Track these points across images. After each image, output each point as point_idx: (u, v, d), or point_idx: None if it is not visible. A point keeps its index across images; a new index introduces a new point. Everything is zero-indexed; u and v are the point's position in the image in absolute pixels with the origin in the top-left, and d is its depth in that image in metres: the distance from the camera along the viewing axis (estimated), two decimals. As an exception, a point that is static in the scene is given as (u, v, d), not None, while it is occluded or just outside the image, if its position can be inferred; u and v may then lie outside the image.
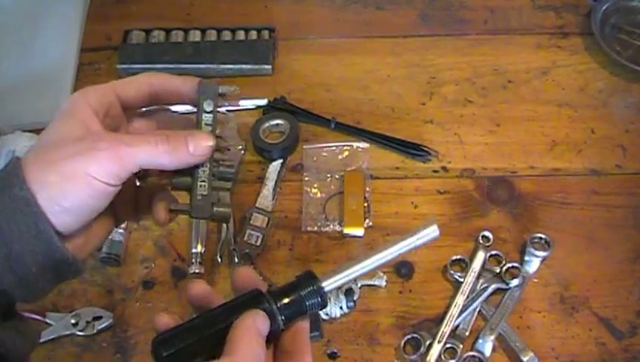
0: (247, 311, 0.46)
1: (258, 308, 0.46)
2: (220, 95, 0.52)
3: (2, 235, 0.44)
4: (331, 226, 0.83)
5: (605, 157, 0.88)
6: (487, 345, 0.73)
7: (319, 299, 0.48)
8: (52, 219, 0.45)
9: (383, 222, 0.83)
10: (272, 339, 0.47)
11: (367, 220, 0.83)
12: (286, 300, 0.48)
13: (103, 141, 0.46)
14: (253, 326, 0.44)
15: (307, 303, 0.48)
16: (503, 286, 0.77)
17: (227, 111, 0.90)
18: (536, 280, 0.79)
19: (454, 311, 0.75)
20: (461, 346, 0.74)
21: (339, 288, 0.75)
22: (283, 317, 0.47)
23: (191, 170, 0.51)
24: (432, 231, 0.51)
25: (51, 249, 0.45)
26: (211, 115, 0.52)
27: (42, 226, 0.44)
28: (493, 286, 0.77)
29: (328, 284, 0.49)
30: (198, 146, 0.49)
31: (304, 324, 0.49)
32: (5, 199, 0.44)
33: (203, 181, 0.51)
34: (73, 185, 0.45)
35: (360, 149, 0.89)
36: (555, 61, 0.97)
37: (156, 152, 0.47)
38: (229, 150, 0.54)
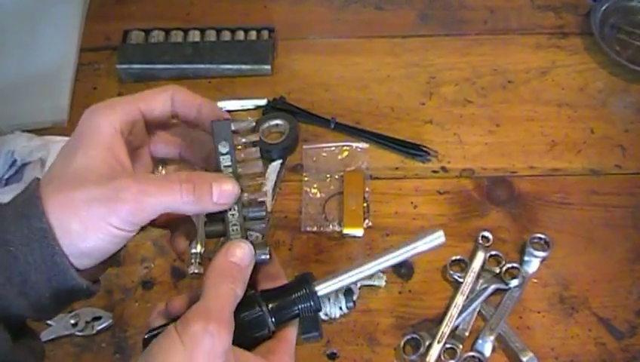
0: (239, 313, 0.46)
1: (250, 311, 0.47)
2: (234, 133, 0.49)
3: (18, 264, 0.44)
4: (331, 226, 0.83)
5: (605, 157, 0.88)
6: (486, 346, 0.73)
7: (311, 303, 0.48)
8: (71, 259, 0.45)
9: (382, 222, 0.83)
10: (262, 341, 0.48)
11: (366, 220, 0.83)
12: (277, 303, 0.48)
13: (127, 191, 0.45)
14: (226, 264, 0.47)
15: (299, 306, 0.48)
16: (503, 286, 0.77)
17: (227, 110, 0.90)
18: (535, 281, 0.79)
19: (454, 311, 0.75)
20: (461, 346, 0.74)
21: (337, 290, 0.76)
22: (273, 320, 0.47)
23: (222, 215, 0.50)
24: (437, 238, 0.49)
25: (67, 279, 0.46)
26: (228, 156, 0.49)
27: (59, 259, 0.44)
28: (492, 287, 0.77)
29: (323, 288, 0.49)
30: (223, 194, 0.48)
31: (292, 332, 0.50)
32: (24, 230, 0.44)
33: (235, 225, 0.50)
34: (94, 234, 0.45)
35: (359, 149, 0.89)
36: (554, 61, 0.97)
37: (180, 202, 0.46)
38: (256, 189, 0.52)
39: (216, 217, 0.50)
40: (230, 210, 0.49)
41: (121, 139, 0.48)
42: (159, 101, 0.51)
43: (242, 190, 0.49)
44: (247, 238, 0.50)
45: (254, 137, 0.50)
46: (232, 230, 0.50)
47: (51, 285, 0.45)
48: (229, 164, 0.49)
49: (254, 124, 0.50)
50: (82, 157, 0.46)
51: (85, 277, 0.47)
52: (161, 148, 0.55)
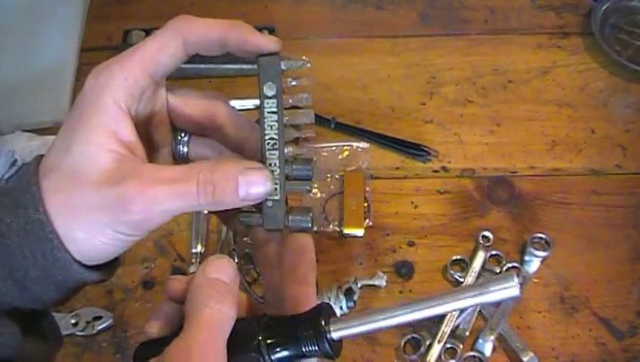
0: (231, 347, 0.38)
1: (243, 354, 0.38)
2: (283, 72, 0.43)
3: (15, 259, 0.40)
4: (331, 226, 0.83)
5: (605, 157, 0.88)
6: (487, 345, 0.73)
7: (318, 348, 0.39)
8: (78, 258, 0.41)
9: (383, 222, 0.83)
10: None
11: (367, 220, 0.83)
12: (280, 340, 0.39)
13: (134, 202, 0.39)
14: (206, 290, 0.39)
15: (306, 349, 0.39)
16: (503, 286, 0.77)
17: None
18: (536, 280, 0.79)
19: (454, 311, 0.75)
20: (461, 346, 0.73)
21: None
22: (272, 360, 0.39)
23: None
24: (508, 286, 0.37)
25: (71, 274, 0.41)
26: (274, 101, 0.42)
27: (59, 254, 0.40)
28: (493, 286, 0.77)
29: (340, 332, 0.39)
30: (252, 191, 0.41)
31: None
32: (20, 220, 0.40)
33: (275, 183, 0.43)
34: (100, 241, 0.40)
35: (360, 149, 0.89)
36: (555, 61, 0.97)
37: (197, 206, 0.40)
38: (304, 139, 0.45)
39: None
40: (271, 165, 0.43)
41: (127, 117, 0.41)
42: (168, 55, 0.43)
43: (286, 143, 0.43)
44: (286, 202, 0.43)
45: (306, 81, 0.43)
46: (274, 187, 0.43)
47: (56, 279, 0.41)
48: (275, 109, 0.43)
49: (309, 64, 0.43)
50: (83, 144, 0.40)
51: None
52: (181, 121, 0.47)
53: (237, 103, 0.92)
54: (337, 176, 0.87)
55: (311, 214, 0.44)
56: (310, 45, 1.00)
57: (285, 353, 0.39)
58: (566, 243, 0.81)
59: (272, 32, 0.99)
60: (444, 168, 0.88)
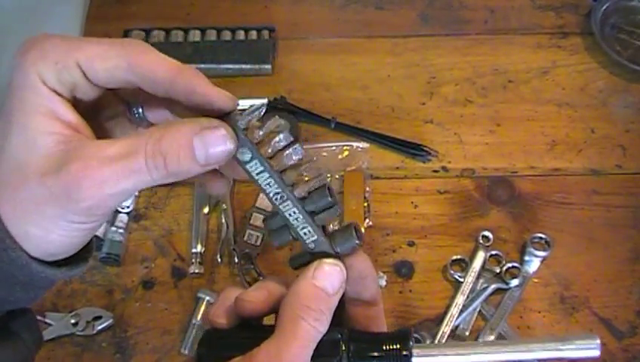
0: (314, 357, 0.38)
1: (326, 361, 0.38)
2: (245, 130, 0.40)
3: None
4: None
5: (605, 157, 0.88)
6: (487, 345, 0.73)
7: None
8: (42, 259, 0.39)
9: (383, 222, 0.83)
10: None
11: (367, 220, 0.83)
12: (361, 354, 0.39)
13: (79, 188, 0.35)
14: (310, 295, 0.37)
15: None
16: (503, 286, 0.77)
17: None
18: (536, 280, 0.79)
19: (454, 311, 0.75)
20: (461, 346, 0.73)
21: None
22: None
23: (282, 219, 0.41)
24: (588, 347, 0.37)
25: (33, 273, 0.38)
26: (255, 162, 0.40)
27: (14, 254, 0.37)
28: (493, 286, 0.77)
29: (422, 359, 0.39)
30: (212, 155, 0.37)
31: None
32: None
33: (304, 228, 0.41)
34: (56, 234, 0.37)
35: (360, 149, 0.89)
36: (555, 61, 0.97)
37: (152, 181, 0.36)
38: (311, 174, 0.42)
39: (278, 222, 0.42)
40: (291, 215, 0.41)
41: (61, 98, 0.37)
42: (105, 68, 0.37)
43: (293, 186, 0.41)
44: (325, 235, 0.41)
45: (273, 124, 0.40)
46: (305, 234, 0.41)
47: (18, 280, 0.38)
48: (261, 169, 0.40)
49: (264, 108, 0.40)
50: (20, 131, 0.36)
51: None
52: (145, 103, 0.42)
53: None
54: (337, 176, 0.87)
55: (354, 229, 0.41)
56: (310, 45, 1.00)
57: None
58: (566, 243, 0.81)
59: (272, 31, 0.99)
60: (444, 168, 0.88)
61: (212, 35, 0.99)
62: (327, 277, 0.39)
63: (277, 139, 0.40)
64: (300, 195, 0.41)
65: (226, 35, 0.99)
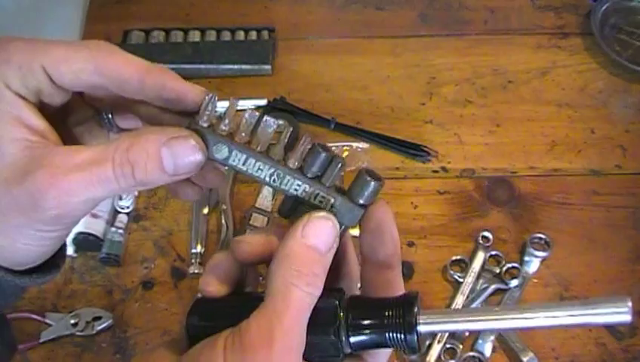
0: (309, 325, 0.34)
1: (323, 335, 0.35)
2: (210, 128, 0.38)
3: None
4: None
5: (605, 158, 0.88)
6: (487, 346, 0.73)
7: (403, 338, 0.35)
8: (13, 268, 0.38)
9: (382, 223, 0.83)
10: None
11: (367, 220, 0.82)
12: (361, 322, 0.35)
13: (44, 197, 0.34)
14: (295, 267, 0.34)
15: (388, 336, 0.35)
16: (503, 286, 0.77)
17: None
18: (536, 281, 0.79)
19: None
20: (461, 346, 0.73)
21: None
22: (351, 341, 0.36)
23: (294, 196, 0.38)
24: (618, 311, 0.33)
25: (2, 283, 0.38)
26: (235, 153, 0.39)
27: None
28: (493, 287, 0.77)
29: (429, 327, 0.35)
30: (180, 165, 0.36)
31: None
32: None
33: (317, 195, 0.38)
34: (23, 244, 0.36)
35: (360, 149, 0.89)
36: (555, 61, 0.97)
37: (119, 190, 0.36)
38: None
39: (290, 203, 0.39)
40: (297, 191, 0.38)
41: (27, 102, 0.36)
42: (72, 70, 0.37)
43: (284, 160, 0.39)
44: (341, 192, 0.38)
45: (232, 109, 0.39)
46: (320, 202, 0.38)
47: None
48: (243, 158, 0.38)
49: (214, 95, 0.39)
50: None
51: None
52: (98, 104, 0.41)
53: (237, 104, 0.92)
54: (337, 177, 0.87)
55: (365, 173, 0.37)
56: (310, 45, 1.00)
57: (365, 337, 0.35)
58: (566, 244, 0.81)
59: (272, 32, 0.99)
60: (443, 168, 0.88)
61: (212, 36, 0.99)
62: (319, 234, 0.35)
63: (244, 121, 0.39)
64: (295, 165, 0.38)
65: (226, 36, 0.99)
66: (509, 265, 0.78)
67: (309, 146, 0.38)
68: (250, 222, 0.82)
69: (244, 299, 0.39)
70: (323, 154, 0.38)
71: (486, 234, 0.81)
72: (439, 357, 0.73)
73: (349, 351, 0.36)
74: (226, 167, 0.39)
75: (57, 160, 0.35)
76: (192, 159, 0.36)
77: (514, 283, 0.77)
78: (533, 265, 0.79)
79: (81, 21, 1.03)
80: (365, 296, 0.38)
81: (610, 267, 0.79)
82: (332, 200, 0.38)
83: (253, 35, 0.99)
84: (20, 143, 0.35)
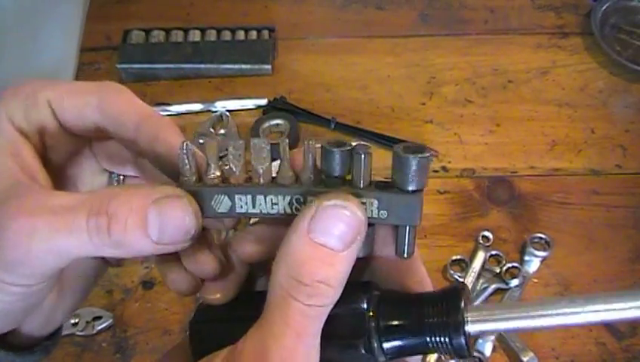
0: (331, 327, 0.28)
1: (348, 343, 0.28)
2: (199, 183, 0.33)
3: None
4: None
5: (605, 157, 0.88)
6: (487, 345, 0.73)
7: (448, 341, 0.28)
8: None
9: (382, 222, 0.83)
10: None
11: (367, 220, 0.82)
12: (396, 325, 0.29)
13: (6, 230, 0.30)
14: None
15: (430, 340, 0.29)
16: (503, 286, 0.77)
17: (227, 110, 0.90)
18: (536, 280, 0.79)
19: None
20: (461, 346, 0.73)
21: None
22: (383, 347, 0.29)
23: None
24: None
25: None
26: (240, 198, 0.33)
27: None
28: (493, 286, 0.77)
29: (479, 326, 0.28)
30: (167, 231, 0.30)
31: None
32: None
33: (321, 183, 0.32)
34: None
35: (360, 149, 0.89)
36: (555, 61, 0.97)
37: (91, 246, 0.30)
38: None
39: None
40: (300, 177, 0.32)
41: (25, 140, 0.34)
42: (73, 100, 0.35)
43: (296, 181, 0.33)
44: (376, 183, 0.31)
45: (211, 148, 0.33)
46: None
47: None
48: (251, 196, 0.33)
49: (185, 142, 0.33)
50: None
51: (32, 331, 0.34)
52: (104, 157, 0.39)
53: (237, 103, 0.92)
54: (337, 176, 0.87)
55: (401, 149, 0.30)
56: (310, 45, 1.00)
57: (402, 342, 0.29)
58: (566, 243, 0.81)
59: (272, 31, 0.99)
60: (444, 168, 0.88)
61: (212, 35, 0.99)
62: (330, 228, 0.27)
63: (231, 157, 0.32)
64: (311, 179, 0.32)
65: (226, 35, 0.99)
66: (509, 265, 0.78)
67: (318, 148, 0.32)
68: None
69: (248, 305, 0.33)
70: (337, 154, 0.31)
71: (486, 233, 0.81)
72: (439, 357, 0.73)
73: (382, 359, 0.30)
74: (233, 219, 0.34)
75: (31, 198, 0.31)
76: (180, 222, 0.30)
77: (514, 282, 0.77)
78: (533, 264, 0.79)
79: (81, 21, 1.03)
80: (397, 291, 0.32)
81: (610, 267, 0.79)
82: (375, 203, 0.30)
83: (254, 34, 0.99)
84: (5, 179, 0.32)
